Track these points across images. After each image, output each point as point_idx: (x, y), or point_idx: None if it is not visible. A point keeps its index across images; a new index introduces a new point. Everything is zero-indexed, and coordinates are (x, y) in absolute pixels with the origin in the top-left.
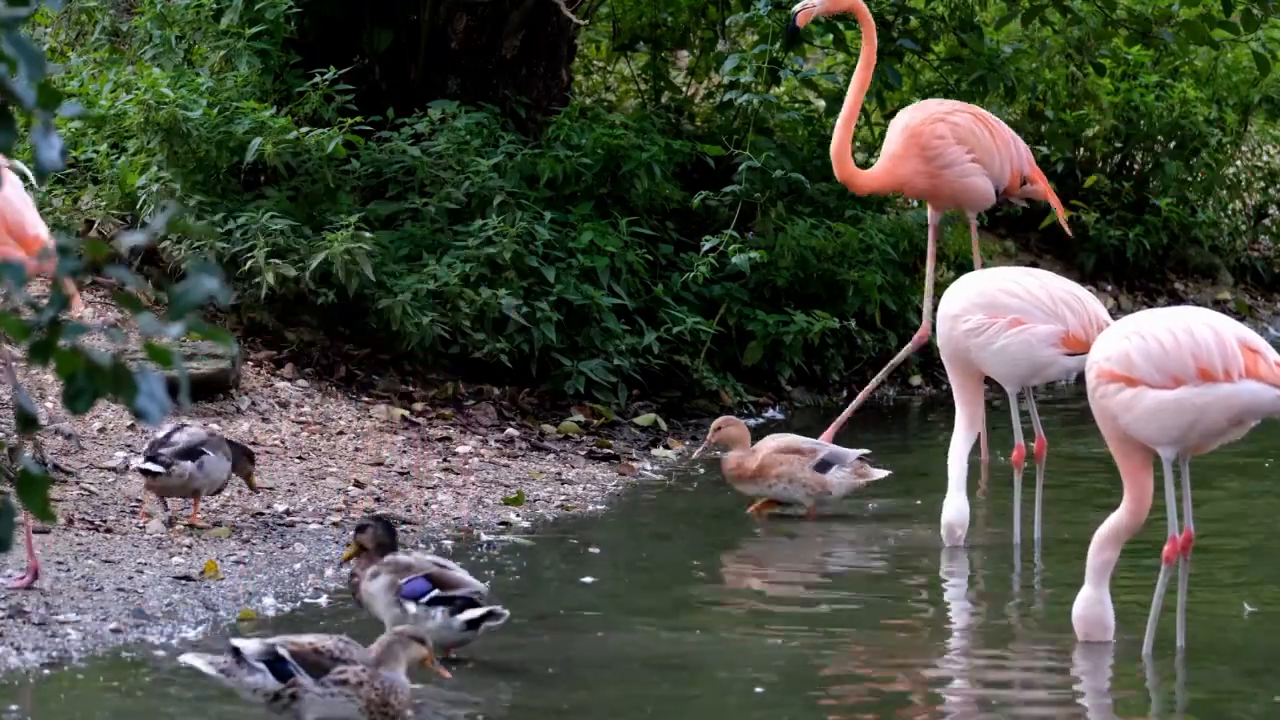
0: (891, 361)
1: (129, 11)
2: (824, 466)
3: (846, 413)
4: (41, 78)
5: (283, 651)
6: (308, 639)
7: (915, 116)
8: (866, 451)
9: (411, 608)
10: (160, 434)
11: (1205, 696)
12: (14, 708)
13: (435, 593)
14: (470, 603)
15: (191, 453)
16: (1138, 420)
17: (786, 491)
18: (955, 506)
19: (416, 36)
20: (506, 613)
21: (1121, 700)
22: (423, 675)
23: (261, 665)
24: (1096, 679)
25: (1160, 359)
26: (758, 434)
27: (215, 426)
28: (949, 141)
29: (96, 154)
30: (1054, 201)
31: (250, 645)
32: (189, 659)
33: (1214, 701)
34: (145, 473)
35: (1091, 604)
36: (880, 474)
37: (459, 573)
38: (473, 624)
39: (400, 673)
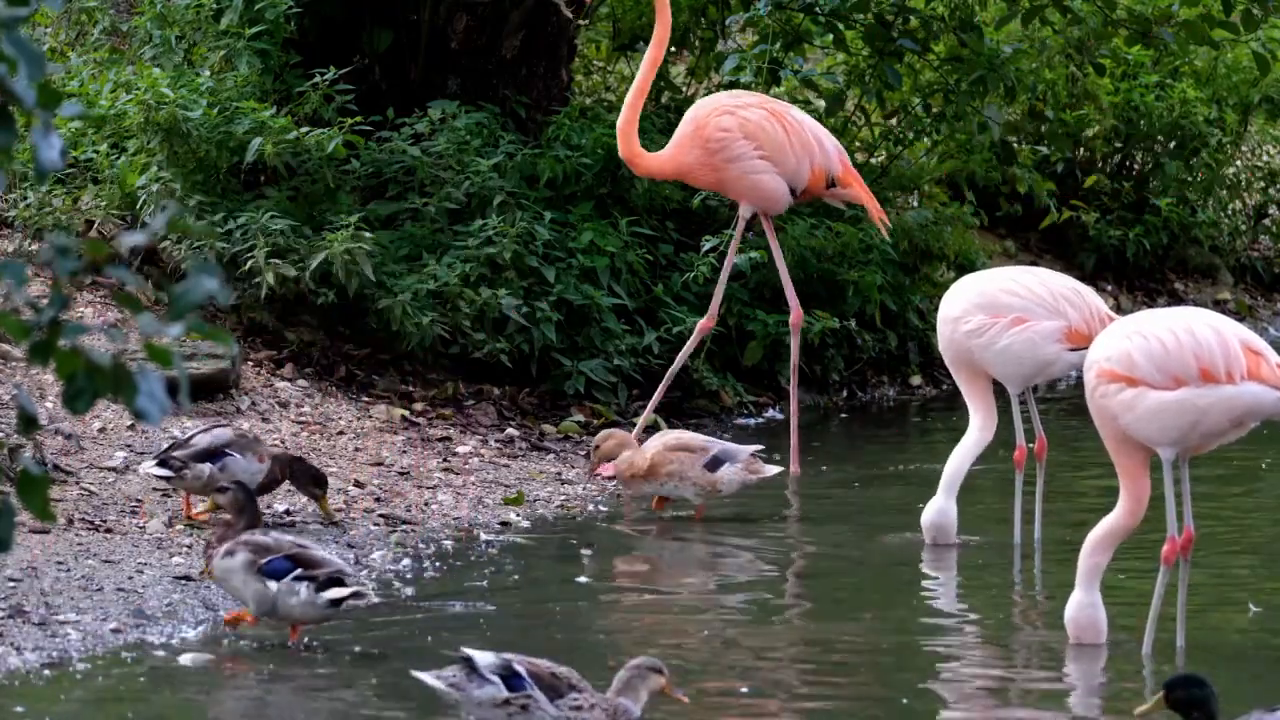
0: (684, 350)
1: (129, 11)
2: (714, 464)
3: (659, 391)
4: (41, 78)
5: (519, 667)
6: (544, 663)
7: (704, 107)
8: (759, 447)
9: (274, 585)
10: (182, 435)
11: None
12: (16, 709)
13: (299, 571)
14: (336, 581)
15: (211, 455)
16: (1138, 420)
17: (677, 490)
18: (937, 508)
19: (416, 36)
20: (373, 595)
21: (1122, 701)
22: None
23: (496, 678)
24: (1097, 680)
25: (1162, 359)
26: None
27: (262, 438)
28: (734, 135)
29: (96, 154)
30: (871, 206)
31: (485, 658)
32: (420, 676)
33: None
34: (167, 478)
35: (1083, 607)
36: (772, 470)
37: (321, 553)
38: (335, 602)
39: (635, 703)
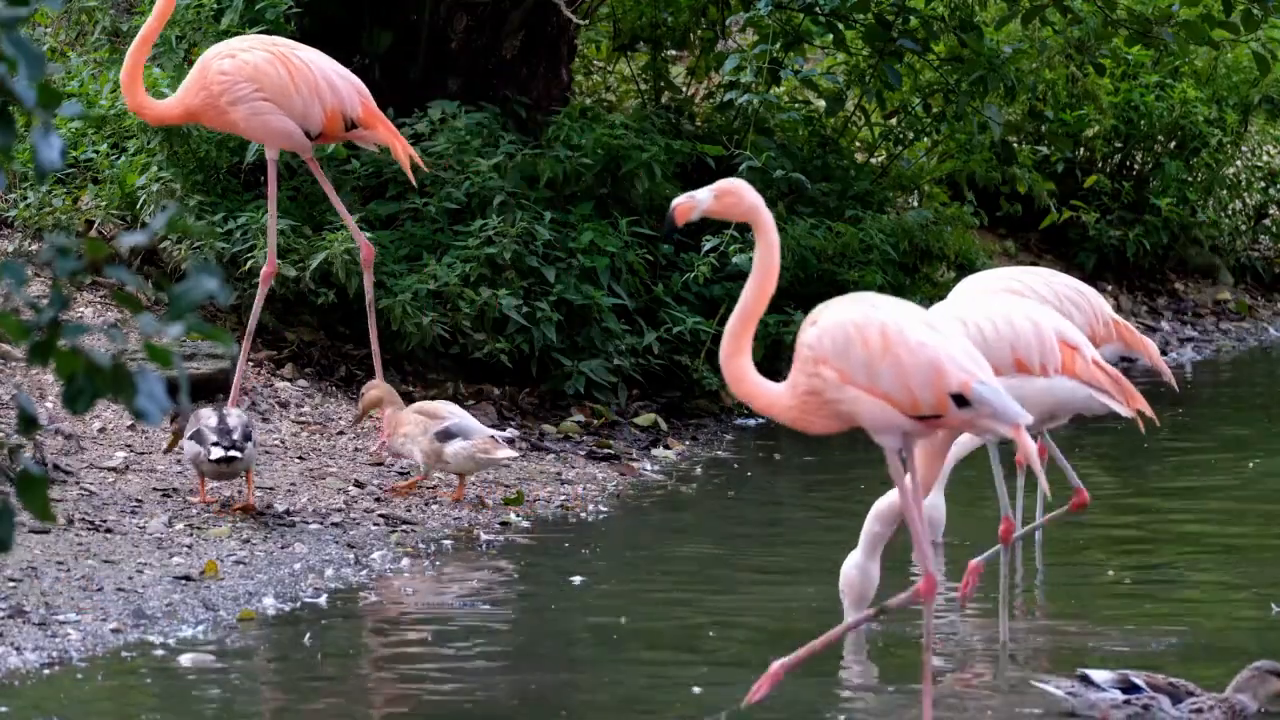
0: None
1: (129, 11)
2: (445, 436)
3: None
4: (41, 78)
5: (1136, 679)
6: (1160, 676)
7: (211, 52)
8: (513, 433)
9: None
10: (212, 421)
11: None
12: (16, 709)
13: None
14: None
15: (248, 434)
16: None
17: (408, 450)
18: (929, 503)
19: (416, 36)
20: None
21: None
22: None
23: (1113, 689)
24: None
25: (980, 347)
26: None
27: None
28: (234, 78)
29: (96, 154)
30: (398, 148)
31: (1101, 674)
32: (1039, 685)
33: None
34: (228, 460)
35: (859, 569)
36: (506, 454)
37: None
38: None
39: (1252, 700)
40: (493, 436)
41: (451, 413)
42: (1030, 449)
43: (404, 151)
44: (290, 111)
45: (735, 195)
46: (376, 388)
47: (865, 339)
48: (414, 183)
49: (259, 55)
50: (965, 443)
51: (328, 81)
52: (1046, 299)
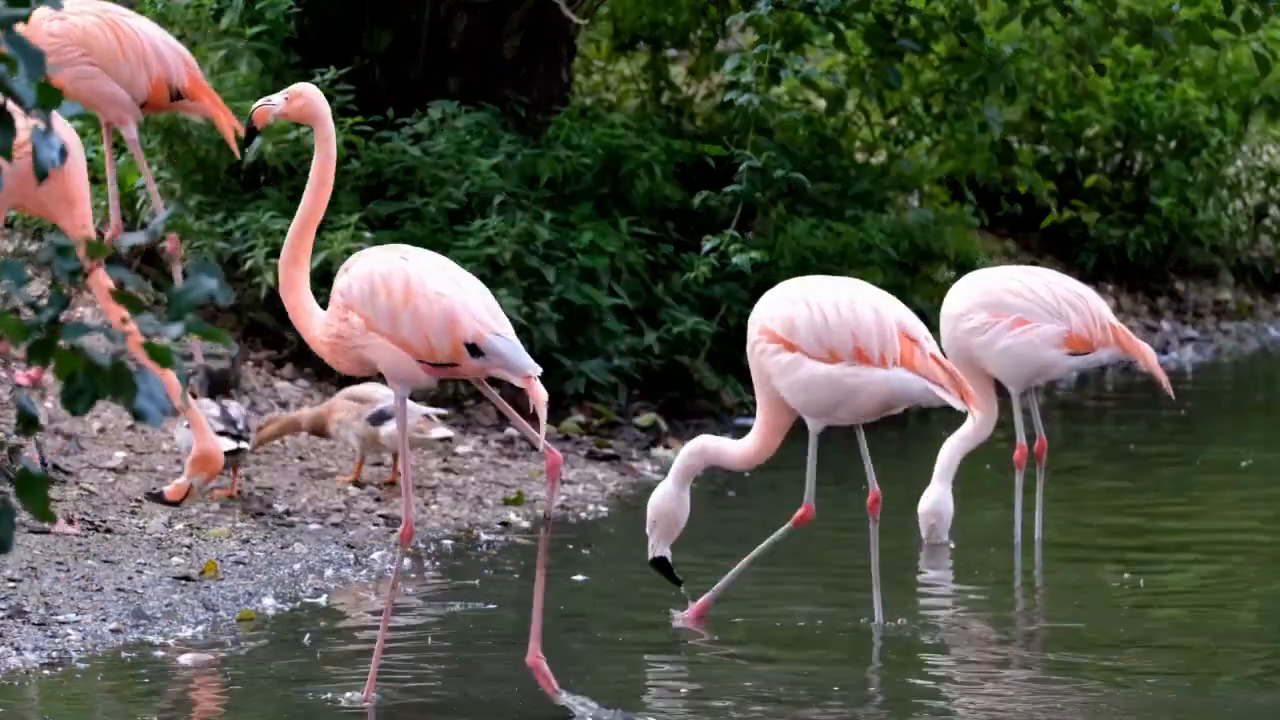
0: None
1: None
2: (379, 419)
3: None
4: (41, 77)
5: None
6: None
7: (41, 13)
8: (443, 412)
9: None
10: (215, 411)
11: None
12: (16, 709)
13: None
14: None
15: (247, 425)
16: (791, 386)
17: (345, 438)
18: (934, 497)
19: (416, 36)
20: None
21: (1121, 701)
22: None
23: None
24: (1097, 679)
25: (822, 331)
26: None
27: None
28: (62, 41)
29: (96, 154)
30: (221, 120)
31: None
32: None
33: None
34: (236, 451)
35: (673, 498)
36: (441, 432)
37: None
38: None
39: None
40: (427, 416)
41: (384, 395)
42: (541, 396)
43: (228, 124)
44: (117, 77)
45: (304, 99)
46: (273, 422)
47: (389, 289)
48: (238, 154)
49: (88, 20)
50: (969, 435)
51: (155, 50)
52: (1045, 300)
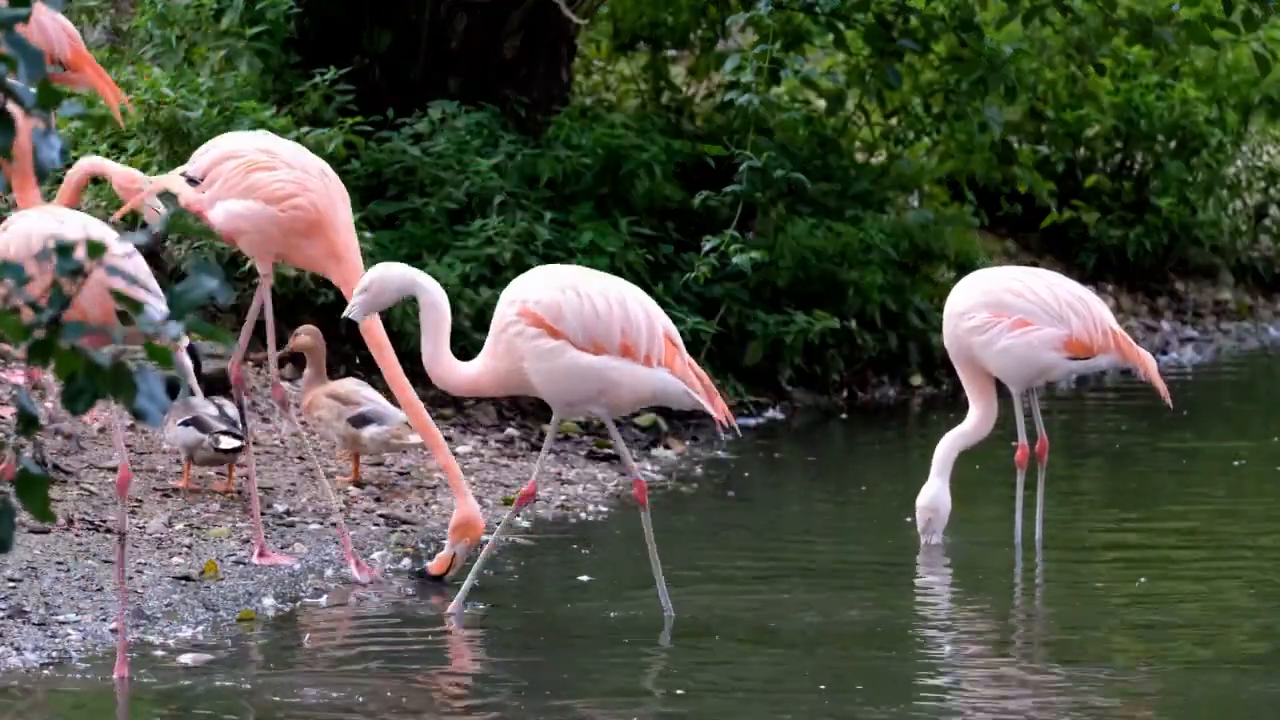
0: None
1: (130, 11)
2: (360, 421)
3: None
4: (41, 77)
5: None
6: None
7: None
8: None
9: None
10: (212, 410)
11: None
12: (16, 709)
13: None
14: None
15: (245, 423)
16: (549, 373)
17: (324, 431)
18: (932, 492)
19: (416, 36)
20: None
21: (1121, 699)
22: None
23: None
24: (1097, 679)
25: (591, 322)
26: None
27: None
28: None
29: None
30: (106, 92)
31: None
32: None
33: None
34: (237, 450)
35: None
36: (417, 439)
37: None
38: None
39: None
40: (405, 422)
41: (365, 397)
42: None
43: (114, 97)
44: None
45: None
46: (311, 333)
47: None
48: (122, 126)
49: None
50: (967, 433)
51: (36, 23)
52: (1047, 302)
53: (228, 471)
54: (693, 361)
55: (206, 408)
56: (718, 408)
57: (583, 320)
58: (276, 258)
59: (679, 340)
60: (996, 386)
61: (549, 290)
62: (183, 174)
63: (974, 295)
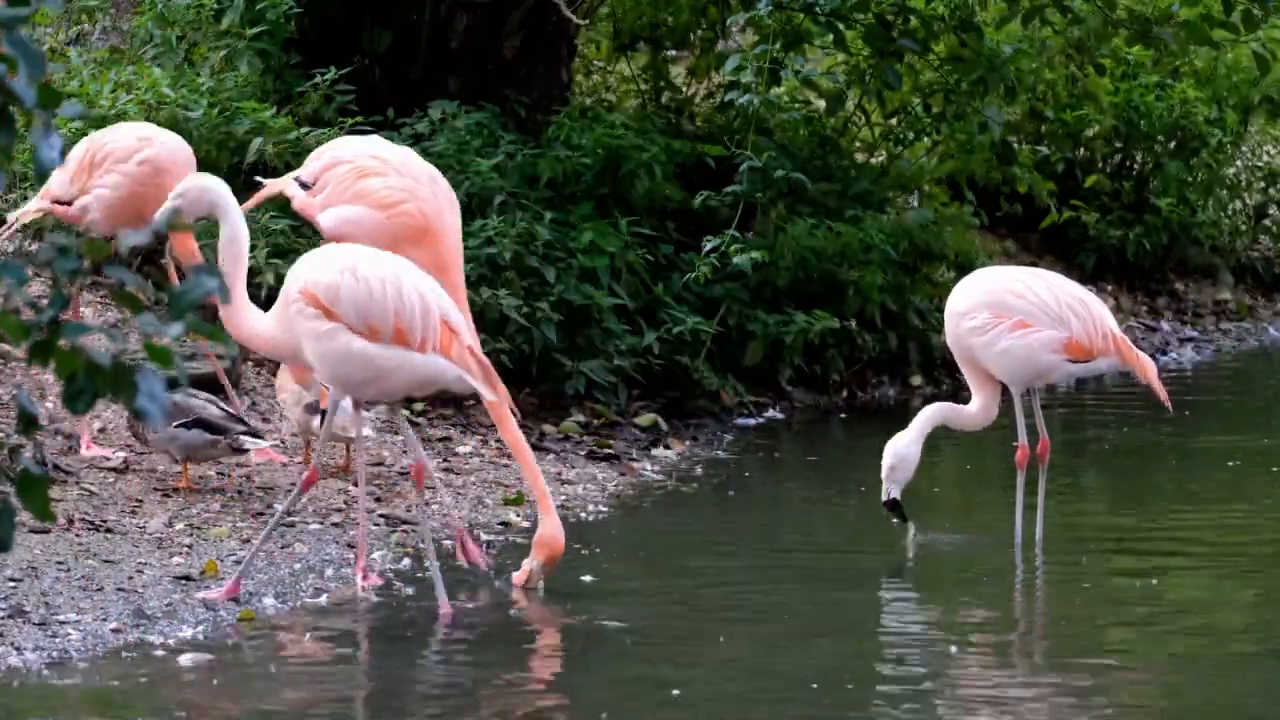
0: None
1: (130, 11)
2: (314, 410)
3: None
4: (41, 77)
5: None
6: None
7: None
8: (370, 416)
9: None
10: (216, 411)
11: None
12: (16, 708)
13: None
14: None
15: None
16: (323, 354)
17: (285, 413)
18: (903, 443)
19: (416, 36)
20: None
21: (1121, 698)
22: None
23: None
24: (1097, 679)
25: (365, 306)
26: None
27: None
28: None
29: None
30: None
31: None
32: None
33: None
34: (245, 449)
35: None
36: (367, 431)
37: None
38: None
39: None
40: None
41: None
42: None
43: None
44: None
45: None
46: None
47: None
48: None
49: None
50: (961, 414)
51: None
52: (1049, 304)
53: (229, 471)
54: (474, 345)
55: (208, 408)
56: (498, 392)
57: (357, 304)
58: None
59: (459, 324)
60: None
61: (328, 272)
62: (295, 178)
63: (976, 295)
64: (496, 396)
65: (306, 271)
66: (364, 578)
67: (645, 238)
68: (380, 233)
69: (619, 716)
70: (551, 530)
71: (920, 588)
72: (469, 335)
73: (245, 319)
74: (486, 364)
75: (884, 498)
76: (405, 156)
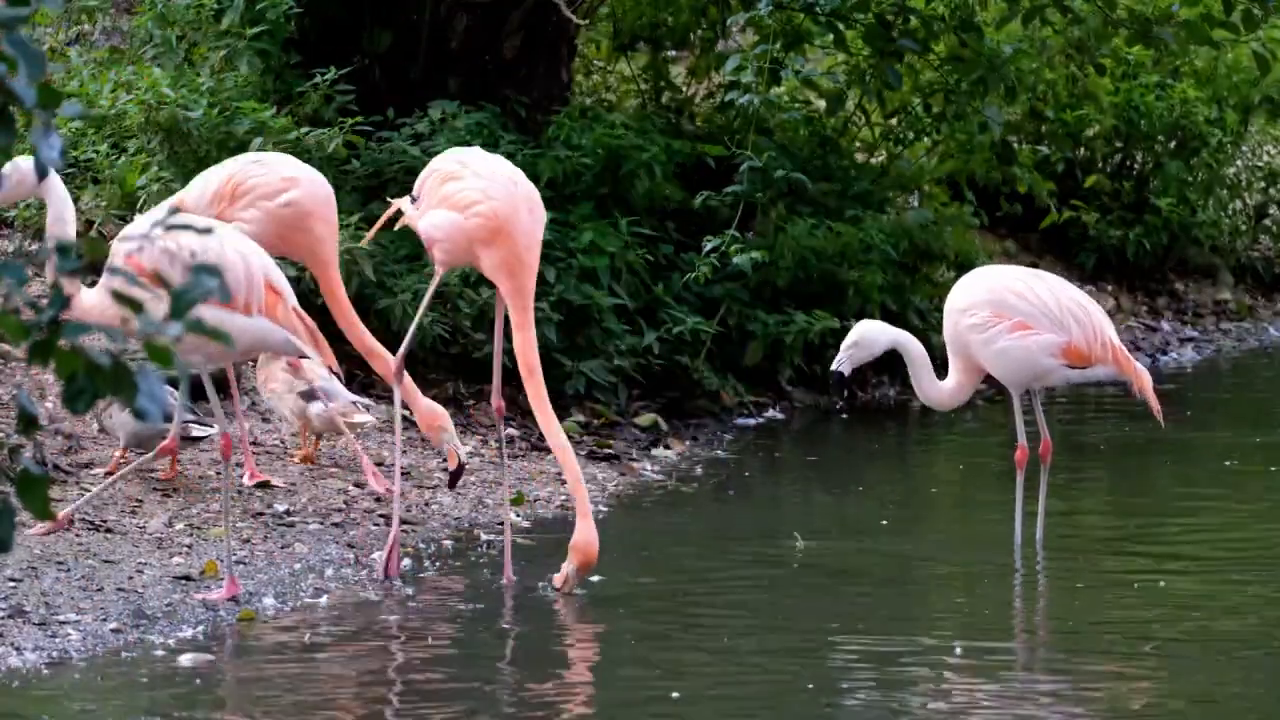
0: None
1: (129, 11)
2: (309, 396)
3: None
4: (41, 77)
5: None
6: None
7: None
8: (369, 403)
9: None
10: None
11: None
12: (16, 708)
13: None
14: None
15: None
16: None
17: (275, 405)
18: (873, 329)
19: (416, 36)
20: None
21: (1122, 699)
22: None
23: None
24: (1097, 679)
25: (185, 266)
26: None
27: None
28: None
29: (96, 154)
30: None
31: None
32: None
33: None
34: (194, 436)
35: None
36: (364, 418)
37: None
38: None
39: None
40: (354, 402)
41: (319, 374)
42: None
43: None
44: None
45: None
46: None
47: None
48: None
49: None
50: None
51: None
52: (1049, 308)
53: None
54: (298, 308)
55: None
56: (324, 354)
57: (177, 268)
58: (461, 263)
59: (283, 286)
60: (997, 387)
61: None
62: (410, 197)
63: (978, 292)
64: (320, 357)
65: (130, 241)
66: (388, 570)
67: (645, 238)
68: (460, 234)
69: (619, 716)
70: (586, 535)
71: (920, 587)
72: (293, 297)
73: (76, 295)
74: (313, 327)
75: (834, 367)
76: (486, 159)
